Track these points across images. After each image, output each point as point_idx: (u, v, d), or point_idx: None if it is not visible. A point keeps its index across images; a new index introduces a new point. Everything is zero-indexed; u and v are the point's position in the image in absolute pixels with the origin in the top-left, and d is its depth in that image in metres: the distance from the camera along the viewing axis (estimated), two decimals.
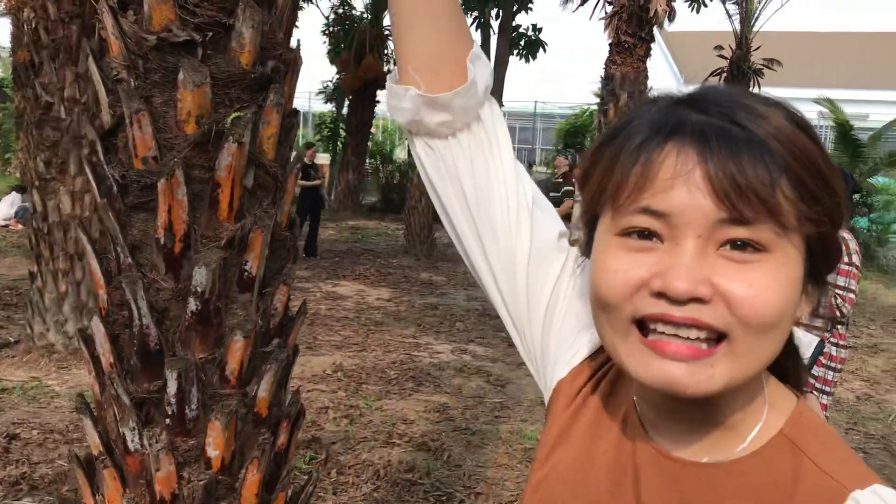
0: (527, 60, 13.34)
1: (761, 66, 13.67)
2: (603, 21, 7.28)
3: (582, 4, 7.58)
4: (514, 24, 13.05)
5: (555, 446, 0.87)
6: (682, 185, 0.67)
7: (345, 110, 18.40)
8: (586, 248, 0.81)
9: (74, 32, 5.43)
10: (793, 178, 0.67)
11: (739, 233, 0.66)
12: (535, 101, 24.38)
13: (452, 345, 7.05)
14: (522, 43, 13.25)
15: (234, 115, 1.49)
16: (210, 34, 1.47)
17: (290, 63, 1.61)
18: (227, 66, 1.50)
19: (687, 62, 28.24)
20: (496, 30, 13.01)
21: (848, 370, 6.79)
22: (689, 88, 0.74)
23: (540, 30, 13.26)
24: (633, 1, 7.03)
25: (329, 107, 21.20)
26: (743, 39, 13.68)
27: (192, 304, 1.54)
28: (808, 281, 0.72)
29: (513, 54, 13.28)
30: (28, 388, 5.09)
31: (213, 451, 1.61)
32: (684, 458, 0.77)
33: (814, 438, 0.74)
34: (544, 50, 13.32)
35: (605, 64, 7.42)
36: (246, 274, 1.61)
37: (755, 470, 0.74)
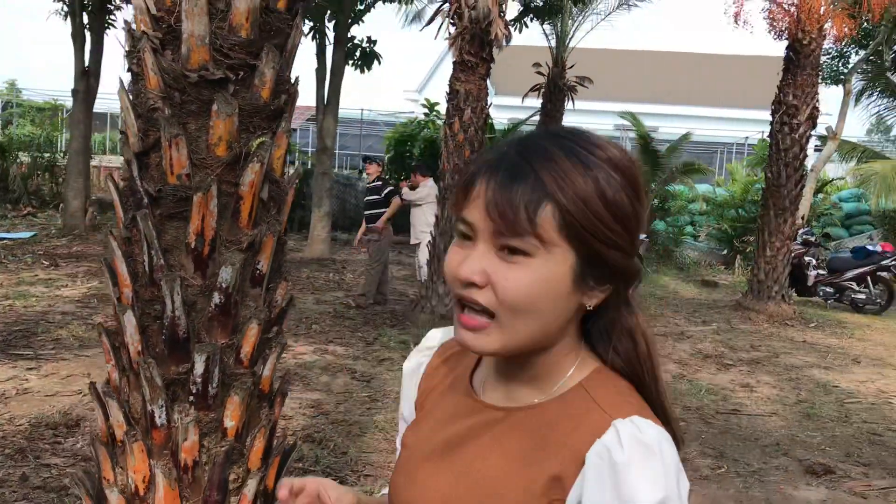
0: (362, 71, 13.80)
1: (574, 84, 14.89)
2: (447, 41, 7.84)
3: (428, 24, 8.10)
4: (349, 35, 13.42)
5: (419, 418, 1.15)
6: (477, 205, 0.91)
7: None
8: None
9: None
10: (559, 209, 0.87)
11: (509, 241, 0.89)
12: (361, 109, 24.81)
13: (313, 346, 7.31)
14: (358, 54, 13.68)
15: (259, 140, 1.81)
16: (241, 73, 1.78)
17: (293, 95, 1.94)
18: (251, 99, 1.81)
19: (501, 76, 29.75)
20: (332, 40, 13.31)
21: (662, 355, 7.75)
22: (524, 132, 0.99)
23: (375, 42, 13.75)
24: (475, 24, 7.63)
25: None
26: (559, 58, 14.82)
27: (217, 298, 1.83)
28: (587, 280, 0.92)
29: (348, 64, 13.64)
30: None
31: (230, 422, 1.90)
32: (507, 406, 1.01)
33: (603, 388, 0.96)
34: (379, 62, 13.83)
35: (450, 80, 8.00)
36: (258, 272, 1.91)
37: (555, 409, 0.96)
